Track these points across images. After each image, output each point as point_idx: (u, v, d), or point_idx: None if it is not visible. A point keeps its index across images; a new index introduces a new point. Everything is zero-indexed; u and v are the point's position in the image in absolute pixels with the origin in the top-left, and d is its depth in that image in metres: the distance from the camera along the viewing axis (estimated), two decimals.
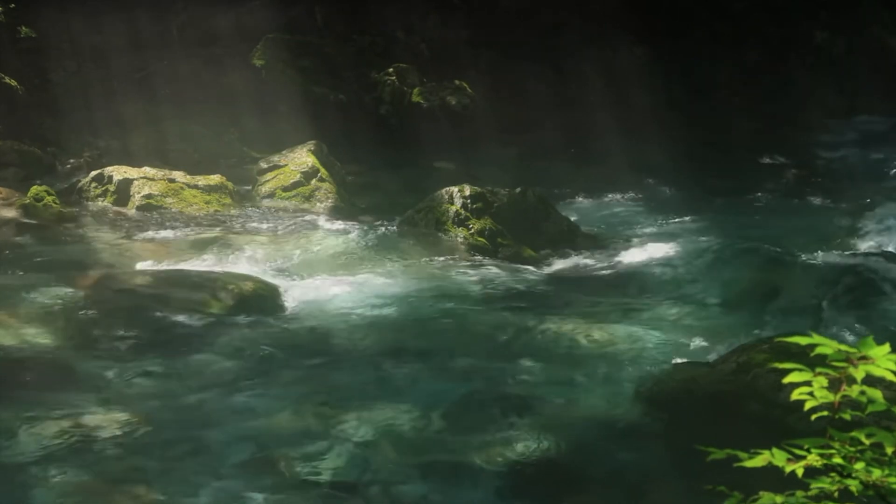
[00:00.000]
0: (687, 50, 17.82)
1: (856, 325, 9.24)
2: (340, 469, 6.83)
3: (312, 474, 6.76)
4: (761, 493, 2.59)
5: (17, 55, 15.14)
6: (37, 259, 10.72)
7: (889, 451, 2.55)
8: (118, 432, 7.18)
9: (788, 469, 2.54)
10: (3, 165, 13.50)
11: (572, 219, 12.22)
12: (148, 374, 8.22)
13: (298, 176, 12.87)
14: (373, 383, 8.16)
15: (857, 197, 13.68)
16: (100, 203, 12.39)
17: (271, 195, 12.84)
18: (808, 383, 2.57)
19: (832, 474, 2.54)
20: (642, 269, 10.97)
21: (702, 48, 17.96)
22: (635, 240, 11.97)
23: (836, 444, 2.55)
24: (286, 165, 13.06)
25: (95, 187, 12.55)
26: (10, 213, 11.93)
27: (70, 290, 9.65)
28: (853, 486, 2.52)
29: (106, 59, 15.50)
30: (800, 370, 2.58)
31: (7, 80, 14.66)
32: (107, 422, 7.29)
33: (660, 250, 11.42)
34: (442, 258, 10.98)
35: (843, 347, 2.53)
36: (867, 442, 2.56)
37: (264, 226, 11.98)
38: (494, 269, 10.82)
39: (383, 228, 11.86)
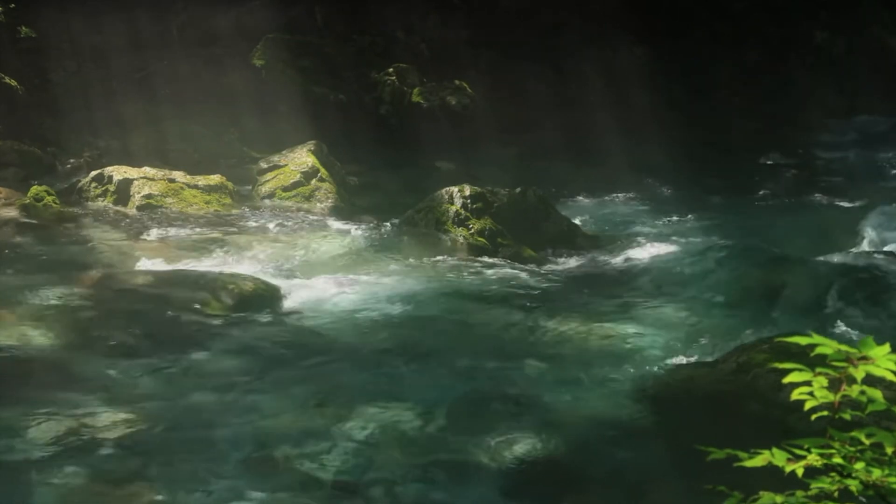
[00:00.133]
0: (687, 50, 17.82)
1: (856, 325, 9.24)
2: (341, 469, 6.83)
3: (313, 474, 6.76)
4: (761, 493, 2.59)
5: (17, 55, 15.15)
6: (37, 259, 10.72)
7: (889, 451, 2.55)
8: (118, 432, 7.18)
9: (788, 469, 2.55)
10: (3, 165, 13.50)
11: (572, 219, 12.22)
12: (148, 373, 8.22)
13: (298, 176, 12.87)
14: (373, 383, 8.16)
15: (857, 197, 13.69)
16: (100, 203, 12.39)
17: (271, 195, 12.84)
18: (808, 383, 2.57)
19: (832, 474, 2.54)
20: (642, 269, 10.97)
21: (702, 48, 17.97)
22: (635, 240, 11.97)
23: (836, 444, 2.55)
24: (286, 165, 13.06)
25: (95, 187, 12.55)
26: (10, 213, 11.93)
27: (70, 290, 9.65)
28: (853, 486, 2.52)
29: (106, 59, 15.51)
30: (800, 370, 2.58)
31: (7, 80, 14.67)
32: (107, 422, 7.29)
33: (660, 250, 11.42)
34: (442, 258, 10.98)
35: (843, 347, 2.53)
36: (867, 442, 2.56)
37: (264, 226, 11.98)
38: (494, 270, 10.82)
39: (383, 228, 11.86)
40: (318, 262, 10.82)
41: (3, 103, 14.41)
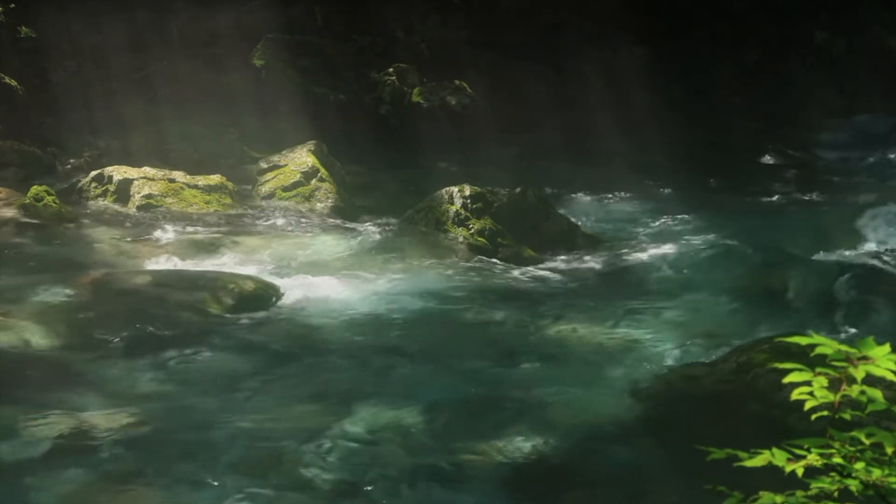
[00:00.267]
0: (687, 50, 17.81)
1: (856, 325, 9.24)
2: (341, 469, 6.83)
3: (313, 474, 6.76)
4: (761, 493, 2.59)
5: (17, 55, 15.14)
6: (37, 259, 10.71)
7: (889, 451, 2.55)
8: (118, 432, 7.18)
9: (788, 469, 2.54)
10: (3, 165, 13.49)
11: (572, 219, 12.22)
12: (148, 373, 8.23)
13: (298, 176, 12.87)
14: (373, 383, 8.16)
15: (857, 197, 13.68)
16: (100, 203, 12.39)
17: (271, 195, 12.83)
18: (808, 383, 2.57)
19: (832, 474, 2.54)
20: (642, 269, 10.98)
21: (702, 48, 17.96)
22: (635, 240, 11.97)
23: (836, 444, 2.55)
24: (286, 165, 13.05)
25: (95, 187, 12.54)
26: (10, 212, 11.92)
27: (70, 290, 9.65)
28: (853, 486, 2.52)
29: (106, 59, 15.50)
30: (800, 370, 2.58)
31: (7, 80, 14.66)
32: (107, 422, 7.29)
33: (660, 250, 11.42)
34: (442, 258, 10.98)
35: (843, 347, 2.53)
36: (867, 442, 2.56)
37: (264, 226, 11.98)
38: (494, 270, 10.82)
39: (383, 228, 11.86)
40: (318, 262, 10.81)
41: (3, 103, 14.40)
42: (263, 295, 9.78)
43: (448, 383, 8.16)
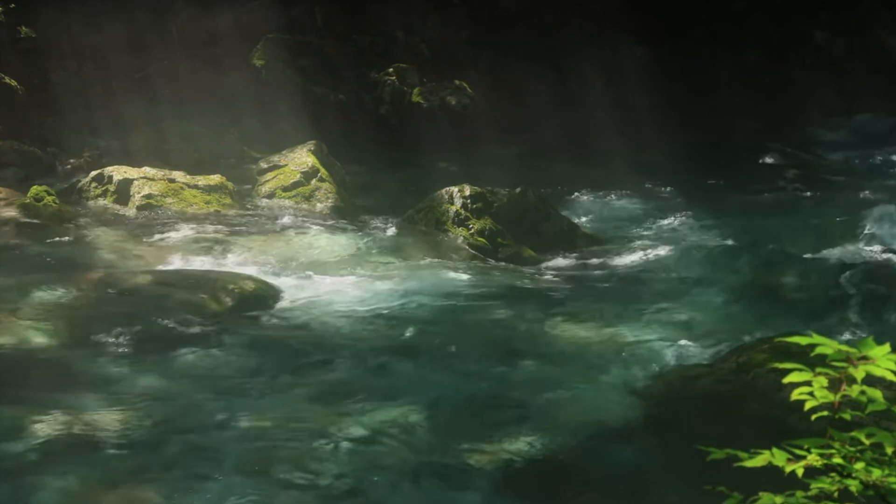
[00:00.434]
0: (687, 50, 17.81)
1: (856, 325, 9.24)
2: (341, 469, 6.83)
3: (312, 474, 6.76)
4: (761, 493, 2.59)
5: (17, 55, 15.14)
6: (37, 259, 10.71)
7: (889, 451, 2.54)
8: (118, 432, 7.18)
9: (788, 469, 2.54)
10: (3, 165, 13.49)
11: (572, 219, 12.22)
12: (148, 373, 8.22)
13: (298, 176, 12.87)
14: (373, 383, 8.16)
15: (857, 197, 13.68)
16: (100, 203, 12.38)
17: (271, 195, 12.83)
18: (808, 383, 2.57)
19: (832, 474, 2.54)
20: (642, 269, 10.98)
21: (702, 48, 17.96)
22: (635, 240, 11.98)
23: (836, 444, 2.55)
24: (286, 165, 13.05)
25: (95, 187, 12.54)
26: (10, 212, 11.92)
27: (70, 289, 9.65)
28: (853, 486, 2.52)
29: (106, 59, 15.50)
30: (800, 370, 2.58)
31: (7, 80, 14.67)
32: (107, 421, 7.29)
33: (660, 250, 11.43)
34: (442, 258, 10.98)
35: (843, 347, 2.53)
36: (867, 442, 2.56)
37: (264, 226, 11.98)
38: (494, 270, 10.82)
39: (383, 228, 11.86)
40: (318, 262, 10.81)
41: (3, 103, 14.40)
42: (263, 295, 9.78)
43: (448, 383, 8.16)
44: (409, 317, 9.51)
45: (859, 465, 2.52)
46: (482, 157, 14.87)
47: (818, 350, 2.52)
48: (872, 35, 18.85)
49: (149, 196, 12.34)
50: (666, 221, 12.82)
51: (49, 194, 12.04)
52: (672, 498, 6.56)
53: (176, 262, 10.69)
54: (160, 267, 10.55)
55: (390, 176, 14.26)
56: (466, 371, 8.42)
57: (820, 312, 9.59)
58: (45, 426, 7.17)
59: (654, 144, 15.17)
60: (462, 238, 11.29)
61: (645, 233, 12.34)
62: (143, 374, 8.21)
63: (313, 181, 12.87)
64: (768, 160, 15.97)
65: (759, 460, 2.58)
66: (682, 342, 8.90)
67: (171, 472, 6.75)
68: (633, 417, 7.63)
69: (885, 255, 11.06)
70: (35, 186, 12.23)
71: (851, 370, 2.51)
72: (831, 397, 2.56)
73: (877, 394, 2.55)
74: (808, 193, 14.31)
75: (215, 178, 12.80)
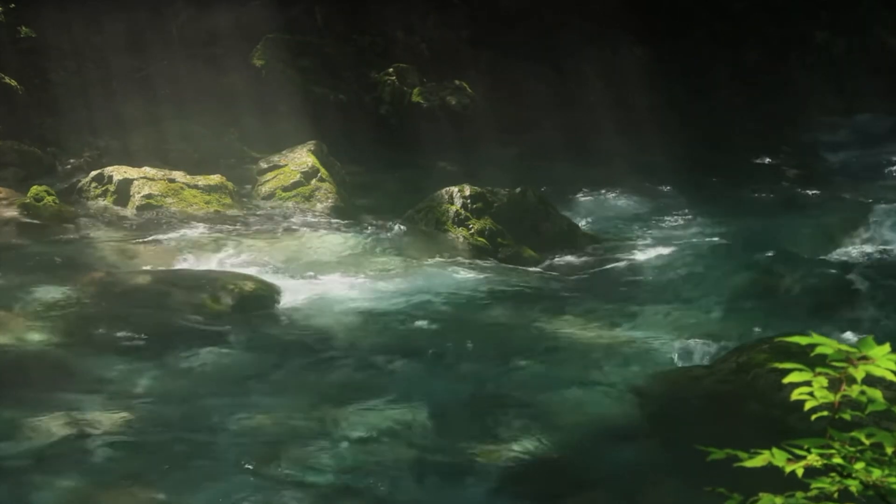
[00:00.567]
0: (687, 50, 17.81)
1: (856, 325, 9.24)
2: (340, 468, 6.83)
3: (313, 474, 6.76)
4: (761, 493, 2.58)
5: (17, 55, 15.13)
6: (37, 259, 10.71)
7: (889, 451, 2.54)
8: (118, 432, 7.18)
9: (788, 469, 2.54)
10: (3, 165, 13.49)
11: (572, 219, 12.22)
12: (148, 373, 8.23)
13: (298, 176, 12.87)
14: (373, 382, 8.16)
15: (857, 197, 13.68)
16: (100, 203, 12.38)
17: (271, 195, 12.83)
18: (808, 383, 2.57)
19: (832, 474, 2.54)
20: (642, 269, 10.98)
21: (702, 48, 17.96)
22: (635, 240, 11.98)
23: (836, 444, 2.55)
24: (286, 165, 13.05)
25: (95, 187, 12.54)
26: (10, 212, 11.92)
27: (70, 290, 9.65)
28: (853, 486, 2.51)
29: (106, 59, 15.50)
30: (800, 370, 2.57)
31: (7, 80, 14.66)
32: (107, 421, 7.29)
33: (659, 250, 11.43)
34: (442, 258, 10.98)
35: (843, 347, 2.53)
36: (867, 442, 2.55)
37: (264, 226, 11.98)
38: (494, 270, 10.82)
39: (383, 228, 11.86)
40: (318, 262, 10.81)
41: (3, 103, 14.40)
42: (263, 295, 9.78)
43: (448, 383, 8.16)
44: (409, 317, 9.51)
45: (859, 466, 2.52)
46: (482, 157, 14.87)
47: (818, 350, 2.52)
48: (872, 35, 18.85)
49: (149, 196, 12.34)
50: (666, 221, 12.82)
51: (49, 194, 12.04)
52: (672, 498, 6.56)
53: (176, 263, 10.69)
54: (160, 267, 10.55)
55: (390, 176, 14.26)
56: (467, 371, 8.42)
57: (820, 312, 9.59)
58: (45, 426, 7.17)
59: (654, 144, 15.17)
60: (462, 238, 11.29)
61: (645, 233, 12.34)
62: (142, 374, 8.21)
63: (313, 181, 12.87)
64: (768, 160, 15.97)
65: (759, 460, 2.57)
66: (682, 342, 8.90)
67: (172, 471, 6.75)
68: (633, 417, 7.64)
69: (884, 255, 11.06)
70: (35, 186, 12.23)
71: (851, 370, 2.50)
72: (831, 397, 2.56)
73: (877, 394, 2.55)
74: (808, 193, 14.30)
75: (215, 178, 12.80)
